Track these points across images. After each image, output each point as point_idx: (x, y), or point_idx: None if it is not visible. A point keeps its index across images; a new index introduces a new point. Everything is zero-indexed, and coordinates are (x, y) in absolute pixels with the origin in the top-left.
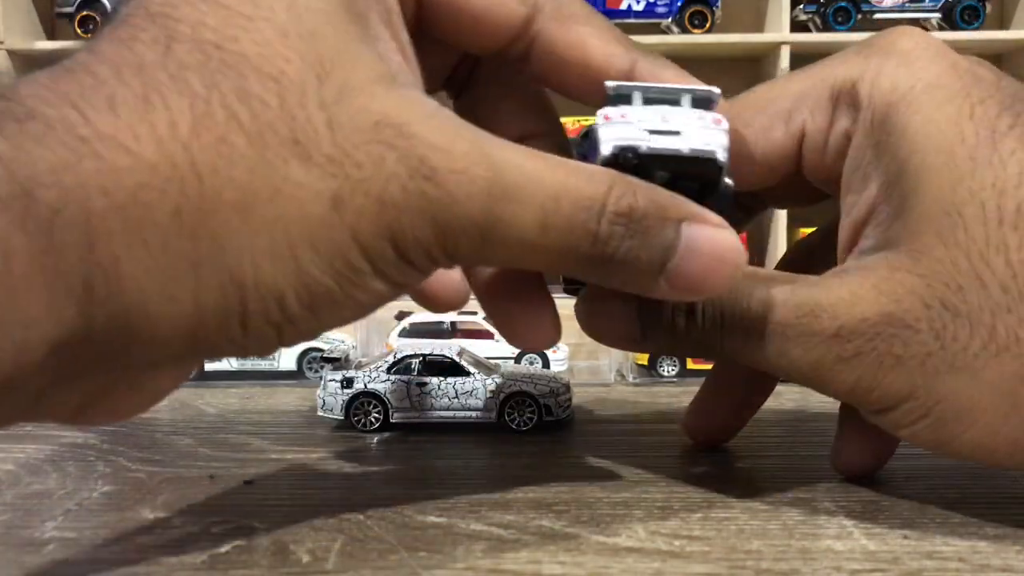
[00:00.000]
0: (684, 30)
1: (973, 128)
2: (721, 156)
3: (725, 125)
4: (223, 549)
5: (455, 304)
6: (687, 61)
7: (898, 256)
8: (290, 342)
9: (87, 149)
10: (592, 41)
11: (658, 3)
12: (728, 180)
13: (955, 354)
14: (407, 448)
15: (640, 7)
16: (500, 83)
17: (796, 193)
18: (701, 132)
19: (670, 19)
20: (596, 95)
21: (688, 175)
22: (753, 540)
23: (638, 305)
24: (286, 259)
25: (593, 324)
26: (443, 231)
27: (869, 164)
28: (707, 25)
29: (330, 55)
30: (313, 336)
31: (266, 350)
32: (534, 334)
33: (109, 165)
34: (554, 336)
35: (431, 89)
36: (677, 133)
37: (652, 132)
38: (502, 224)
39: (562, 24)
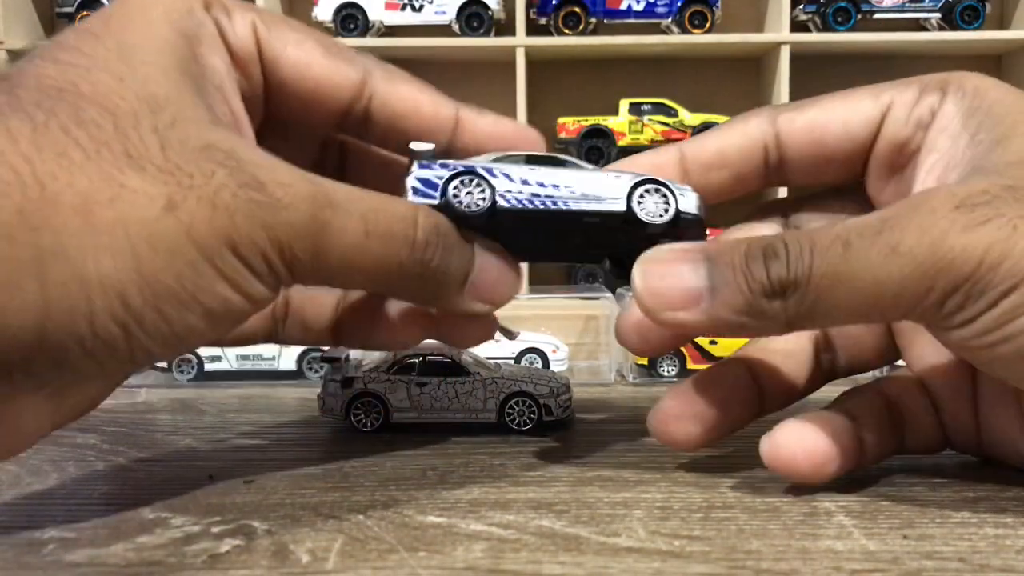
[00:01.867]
0: (684, 30)
1: None
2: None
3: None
4: (223, 549)
5: (479, 341)
6: (687, 61)
7: (1000, 164)
8: (141, 354)
9: None
10: (420, 95)
11: (658, 3)
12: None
13: None
14: (407, 448)
15: (640, 7)
16: (369, 169)
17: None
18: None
19: (670, 19)
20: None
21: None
22: (753, 540)
23: (705, 256)
24: (126, 256)
25: (651, 283)
26: (275, 235)
27: (960, 126)
28: (707, 25)
29: (163, 95)
30: (169, 348)
31: (117, 360)
32: (477, 337)
33: None
34: (491, 332)
35: None
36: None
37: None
38: (330, 229)
39: (391, 83)
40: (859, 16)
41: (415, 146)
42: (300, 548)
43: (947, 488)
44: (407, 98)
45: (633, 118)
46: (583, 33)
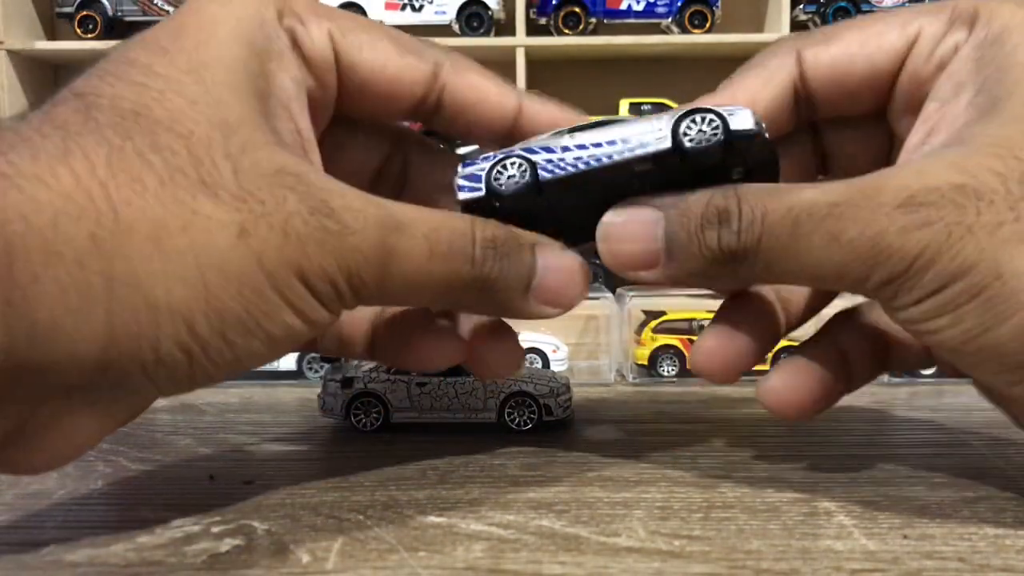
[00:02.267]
0: (684, 30)
1: None
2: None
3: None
4: (223, 549)
5: (506, 371)
6: (687, 61)
7: (977, 144)
8: (202, 377)
9: (8, 184)
10: (487, 84)
11: (658, 3)
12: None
13: None
14: (407, 448)
15: (640, 7)
16: (433, 171)
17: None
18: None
19: (670, 19)
20: (491, 132)
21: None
22: (753, 540)
23: (665, 218)
24: (196, 284)
25: (612, 245)
26: (344, 262)
27: (967, 75)
28: (707, 25)
29: (235, 119)
30: (228, 370)
31: (176, 383)
32: (505, 365)
33: (29, 196)
34: (518, 364)
35: (359, 186)
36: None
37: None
38: (396, 254)
39: (460, 74)
40: (859, 16)
41: (461, 151)
42: (300, 548)
43: (947, 488)
44: (474, 87)
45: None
46: (583, 33)
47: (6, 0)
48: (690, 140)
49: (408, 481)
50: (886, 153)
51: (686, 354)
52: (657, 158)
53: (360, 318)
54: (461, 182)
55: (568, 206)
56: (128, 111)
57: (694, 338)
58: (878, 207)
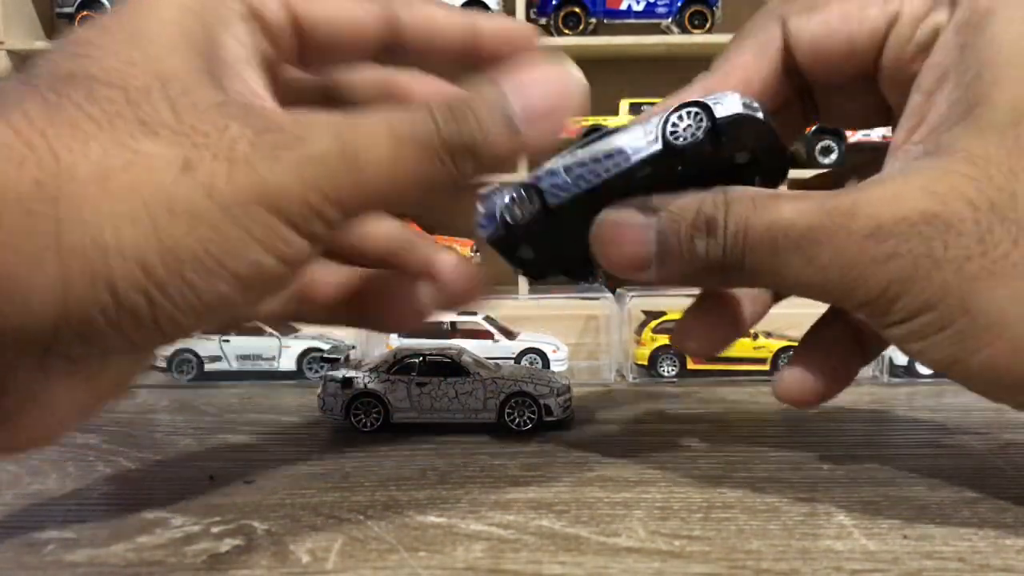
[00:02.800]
0: (684, 30)
1: None
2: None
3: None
4: (223, 549)
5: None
6: (687, 61)
7: (952, 160)
8: (168, 323)
9: None
10: (437, 11)
11: (658, 3)
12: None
13: (995, 260)
14: (407, 448)
15: (640, 7)
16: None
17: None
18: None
19: (670, 19)
20: (452, 55)
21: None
22: (753, 540)
23: (656, 224)
24: (144, 223)
25: (606, 248)
26: (307, 175)
27: (950, 65)
28: (707, 25)
29: (171, 72)
30: (198, 317)
31: (144, 330)
32: (408, 305)
33: None
34: (427, 309)
35: None
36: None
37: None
38: (360, 153)
39: (412, 7)
40: None
41: (482, 192)
42: (300, 548)
43: (947, 488)
44: (428, 16)
45: (633, 118)
46: (583, 33)
47: (6, 0)
48: (678, 138)
49: (408, 481)
50: (884, 111)
51: (686, 354)
52: (654, 161)
53: (328, 281)
54: (482, 221)
55: (580, 222)
56: (64, 75)
57: None
58: (849, 236)
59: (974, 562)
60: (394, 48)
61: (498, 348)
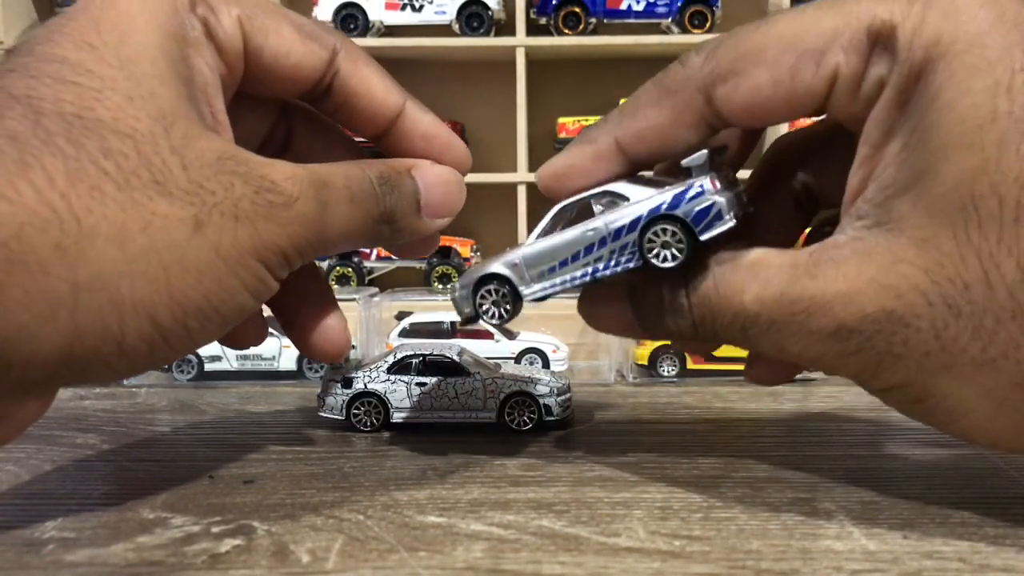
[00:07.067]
0: (684, 30)
1: (1008, 104)
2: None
3: None
4: (223, 549)
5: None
6: None
7: (901, 242)
8: (160, 361)
9: None
10: (375, 79)
11: (658, 3)
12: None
13: (954, 356)
14: (407, 448)
15: (640, 7)
16: (314, 136)
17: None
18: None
19: (670, 19)
20: (373, 126)
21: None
22: (753, 540)
23: (631, 305)
24: (159, 279)
25: (591, 322)
26: (292, 230)
27: (895, 122)
28: (707, 25)
29: (169, 109)
30: (183, 354)
31: (134, 369)
32: (329, 340)
33: None
34: (345, 343)
35: (250, 148)
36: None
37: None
38: (328, 207)
39: (354, 64)
40: None
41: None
42: (300, 548)
43: (947, 488)
44: (364, 79)
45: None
46: (583, 33)
47: (6, 0)
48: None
49: (408, 481)
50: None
51: (686, 354)
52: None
53: None
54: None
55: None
56: (72, 114)
57: None
58: (811, 335)
59: (974, 562)
60: (326, 94)
61: (498, 348)
